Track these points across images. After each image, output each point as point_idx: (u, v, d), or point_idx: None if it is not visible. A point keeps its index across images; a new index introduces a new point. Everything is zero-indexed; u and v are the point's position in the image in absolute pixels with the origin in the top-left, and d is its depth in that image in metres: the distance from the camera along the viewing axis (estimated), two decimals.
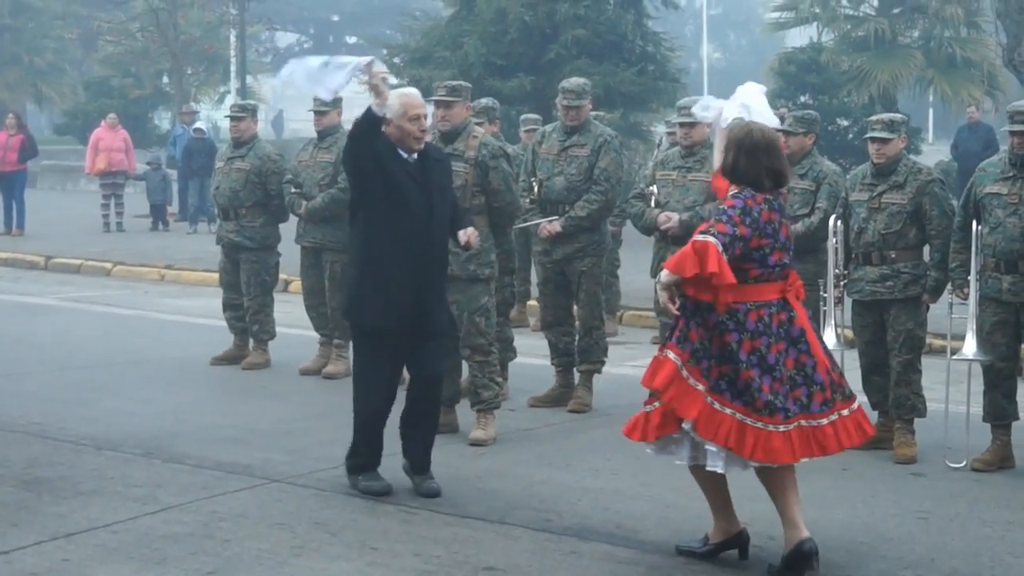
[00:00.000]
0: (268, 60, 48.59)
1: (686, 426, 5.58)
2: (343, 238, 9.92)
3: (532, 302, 11.54)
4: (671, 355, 5.61)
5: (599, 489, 6.90)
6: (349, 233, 9.72)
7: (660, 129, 24.61)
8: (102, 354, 10.80)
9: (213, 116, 37.87)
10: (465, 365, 8.18)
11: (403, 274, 6.59)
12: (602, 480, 7.09)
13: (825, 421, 5.61)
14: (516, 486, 6.96)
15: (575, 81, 8.98)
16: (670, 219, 8.42)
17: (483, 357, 7.94)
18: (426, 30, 22.24)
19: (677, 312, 5.59)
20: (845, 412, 5.70)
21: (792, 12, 27.41)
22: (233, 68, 31.89)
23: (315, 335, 10.22)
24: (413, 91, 6.90)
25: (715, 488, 5.79)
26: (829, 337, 7.76)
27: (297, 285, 10.97)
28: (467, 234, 6.85)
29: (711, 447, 5.56)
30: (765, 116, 6.14)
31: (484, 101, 10.12)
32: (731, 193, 5.65)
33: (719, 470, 5.61)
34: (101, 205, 21.40)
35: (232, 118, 10.49)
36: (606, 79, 19.25)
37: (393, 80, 6.71)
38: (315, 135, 10.10)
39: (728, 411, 5.50)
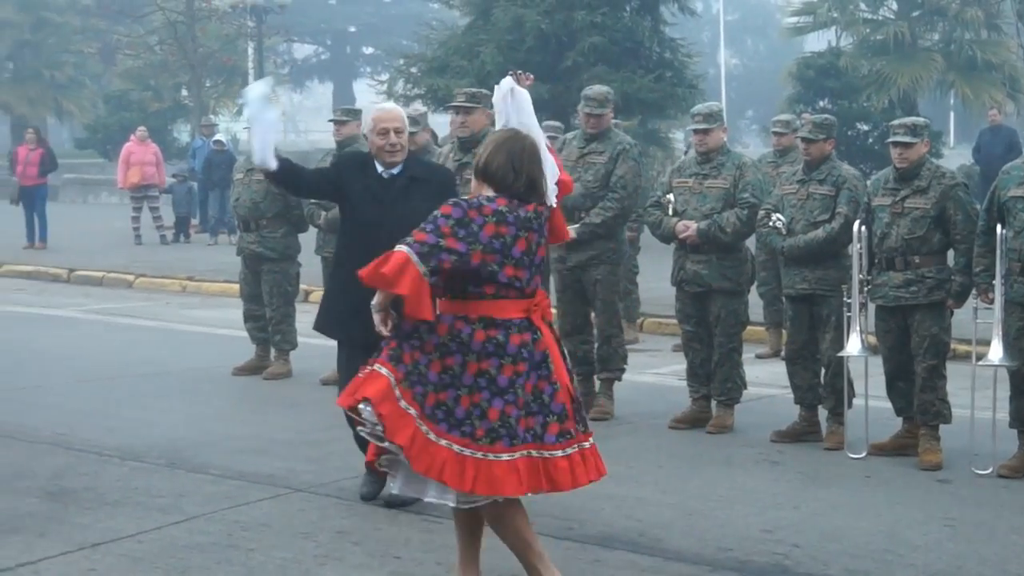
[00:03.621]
0: (286, 72, 48.71)
1: (393, 448, 5.08)
2: None
3: (552, 310, 11.53)
4: (383, 370, 5.07)
5: (622, 497, 6.88)
6: None
7: (680, 136, 24.54)
8: (124, 365, 10.83)
9: (232, 128, 37.98)
10: None
11: (363, 292, 6.16)
12: (624, 488, 7.06)
13: (559, 453, 5.08)
14: (538, 494, 6.92)
15: (598, 89, 8.97)
16: (688, 228, 8.40)
17: None
18: (443, 39, 22.27)
19: (389, 334, 5.09)
20: (586, 445, 5.22)
21: (810, 17, 27.37)
22: (251, 80, 31.98)
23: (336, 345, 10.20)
24: (388, 105, 6.81)
25: (471, 536, 5.30)
26: (854, 343, 7.74)
27: (318, 295, 10.97)
28: None
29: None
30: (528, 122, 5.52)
31: None
32: (451, 200, 5.13)
33: (450, 503, 5.13)
34: (132, 218, 21.48)
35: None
36: (623, 86, 19.24)
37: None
38: (334, 146, 10.12)
39: (444, 442, 4.99)
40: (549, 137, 12.05)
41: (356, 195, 6.56)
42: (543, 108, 19.72)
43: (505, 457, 4.99)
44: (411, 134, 9.32)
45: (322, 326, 6.79)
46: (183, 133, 35.97)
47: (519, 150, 5.13)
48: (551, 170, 5.30)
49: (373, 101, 24.71)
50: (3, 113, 43.27)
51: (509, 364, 5.01)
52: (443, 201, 5.17)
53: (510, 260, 5.04)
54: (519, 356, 5.03)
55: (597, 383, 8.97)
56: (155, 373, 10.49)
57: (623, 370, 8.98)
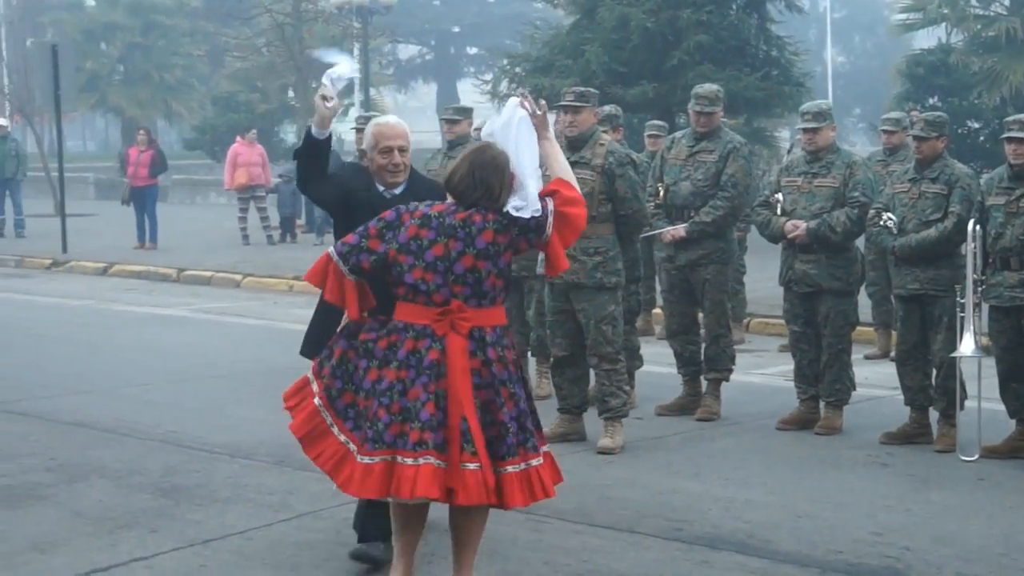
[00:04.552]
0: (391, 72, 49.09)
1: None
2: None
3: (658, 310, 11.48)
4: (310, 371, 5.36)
5: (729, 498, 6.83)
6: None
7: (786, 135, 24.22)
8: (233, 364, 10.99)
9: (337, 129, 38.44)
10: (592, 373, 8.17)
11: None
12: (732, 489, 7.02)
13: (409, 461, 4.95)
14: (645, 495, 6.92)
15: (708, 87, 8.91)
16: (797, 227, 8.32)
17: (610, 365, 7.92)
18: (547, 39, 22.24)
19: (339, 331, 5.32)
20: (522, 466, 5.08)
21: (920, 13, 26.87)
22: (357, 81, 32.27)
23: None
24: (391, 120, 5.92)
25: (410, 528, 5.24)
26: (967, 343, 7.60)
27: None
28: None
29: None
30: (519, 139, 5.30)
31: (608, 108, 10.08)
32: (395, 205, 5.26)
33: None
34: (239, 219, 21.80)
35: (357, 130, 10.62)
36: (729, 84, 18.99)
37: (332, 99, 6.02)
38: (445, 144, 10.18)
39: (343, 438, 5.17)
40: (651, 136, 12.11)
41: (358, 214, 5.75)
42: (648, 108, 19.64)
43: (366, 460, 5.05)
44: None
45: (311, 353, 6.19)
46: (289, 134, 36.42)
47: (480, 163, 5.15)
48: (532, 183, 5.16)
49: (478, 101, 24.82)
50: (114, 115, 44.18)
51: (393, 369, 5.08)
52: None
53: (421, 262, 5.08)
54: (406, 363, 5.06)
55: (704, 383, 8.92)
56: (263, 371, 10.63)
57: (731, 370, 8.91)
